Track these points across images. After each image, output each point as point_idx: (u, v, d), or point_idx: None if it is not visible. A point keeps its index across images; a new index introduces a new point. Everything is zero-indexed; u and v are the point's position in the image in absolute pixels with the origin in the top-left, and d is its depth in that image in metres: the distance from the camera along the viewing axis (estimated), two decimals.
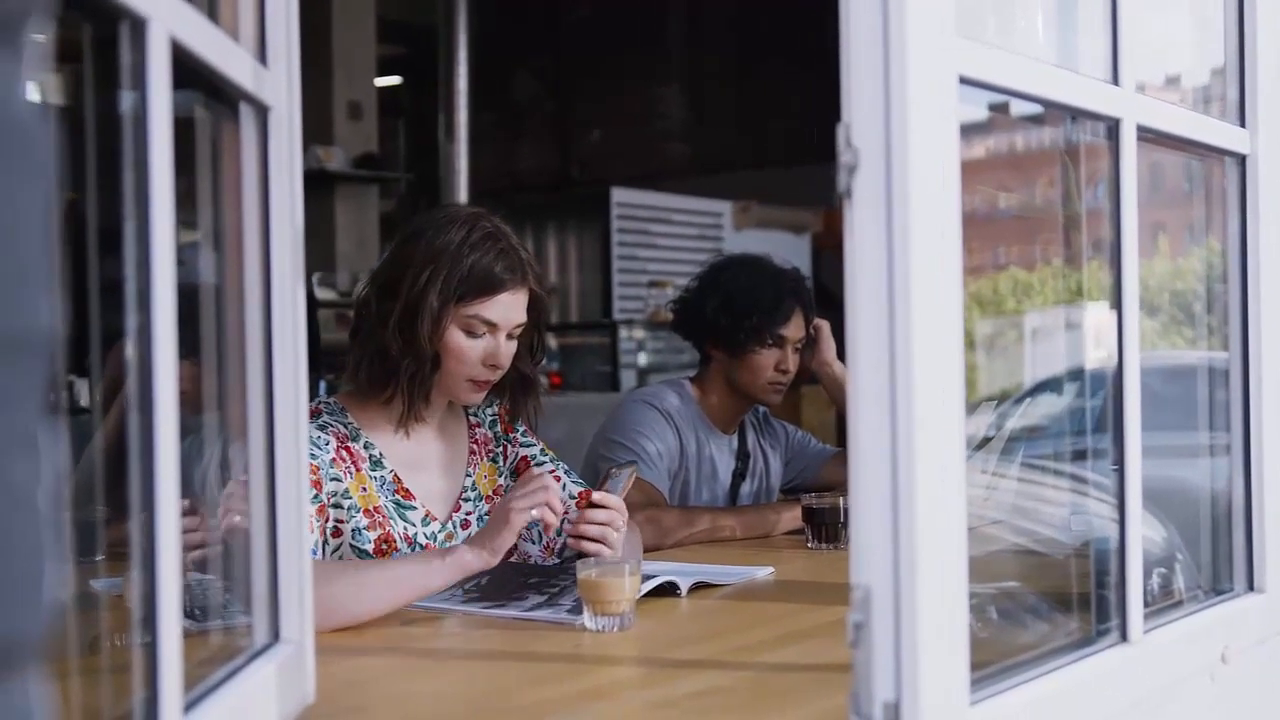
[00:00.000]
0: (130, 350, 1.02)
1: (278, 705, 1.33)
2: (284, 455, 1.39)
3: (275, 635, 1.38)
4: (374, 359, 2.20)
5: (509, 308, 2.21)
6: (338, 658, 1.69)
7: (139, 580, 1.02)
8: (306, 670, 1.42)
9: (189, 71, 1.13)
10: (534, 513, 1.98)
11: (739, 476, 3.14)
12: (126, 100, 1.03)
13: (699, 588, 2.19)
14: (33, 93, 0.58)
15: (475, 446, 2.38)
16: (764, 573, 2.36)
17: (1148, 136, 1.58)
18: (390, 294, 2.19)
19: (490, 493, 2.36)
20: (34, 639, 0.57)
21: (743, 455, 3.16)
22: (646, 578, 2.04)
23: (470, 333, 2.19)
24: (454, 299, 2.17)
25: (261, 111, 1.35)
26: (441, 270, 2.16)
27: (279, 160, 1.37)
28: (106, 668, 1.31)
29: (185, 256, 1.12)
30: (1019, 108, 1.54)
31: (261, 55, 1.36)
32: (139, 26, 1.00)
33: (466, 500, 2.33)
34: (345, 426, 2.22)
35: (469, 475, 2.35)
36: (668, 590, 2.12)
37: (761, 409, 3.22)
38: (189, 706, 1.11)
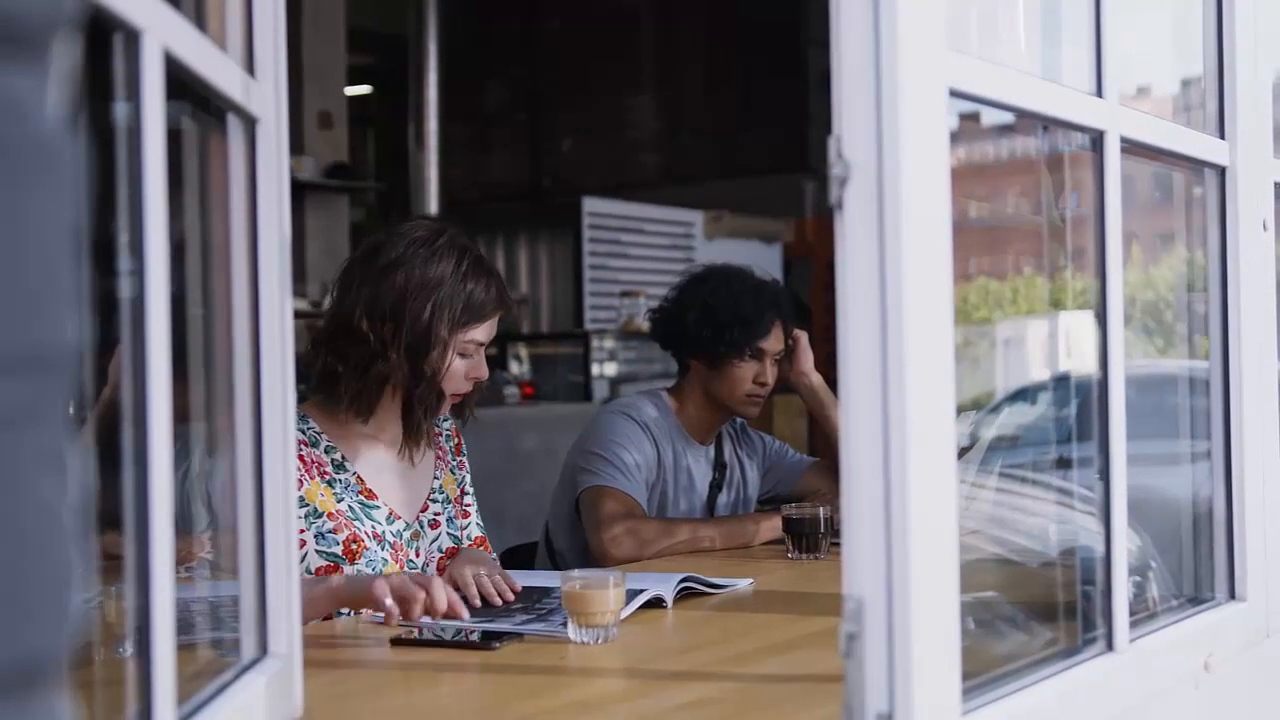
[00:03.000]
0: (125, 361, 1.01)
1: (266, 719, 1.32)
2: (271, 468, 1.38)
3: (264, 649, 1.37)
4: (375, 386, 2.26)
5: (494, 326, 2.35)
6: (325, 672, 1.69)
7: (133, 594, 1.01)
8: (295, 684, 1.41)
9: (177, 82, 1.12)
10: (388, 602, 1.92)
11: (716, 487, 3.14)
12: (119, 111, 1.02)
13: (685, 595, 2.19)
14: (58, 107, 0.58)
15: (440, 452, 2.47)
16: (744, 584, 2.36)
17: (1129, 148, 1.59)
18: (384, 321, 2.24)
19: (453, 499, 2.46)
20: (61, 656, 0.57)
21: (720, 466, 3.16)
22: (632, 592, 2.03)
23: (463, 355, 2.30)
24: (459, 327, 2.27)
25: (250, 123, 1.35)
26: (445, 303, 2.25)
27: (267, 172, 1.37)
28: (91, 682, 1.30)
29: (171, 268, 1.11)
30: (989, 117, 1.55)
31: (250, 67, 1.35)
32: (133, 38, 1.00)
33: (435, 501, 2.41)
34: (304, 432, 2.24)
35: (436, 478, 2.43)
36: (653, 602, 2.12)
37: (739, 419, 3.22)
38: None
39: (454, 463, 2.50)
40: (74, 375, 0.58)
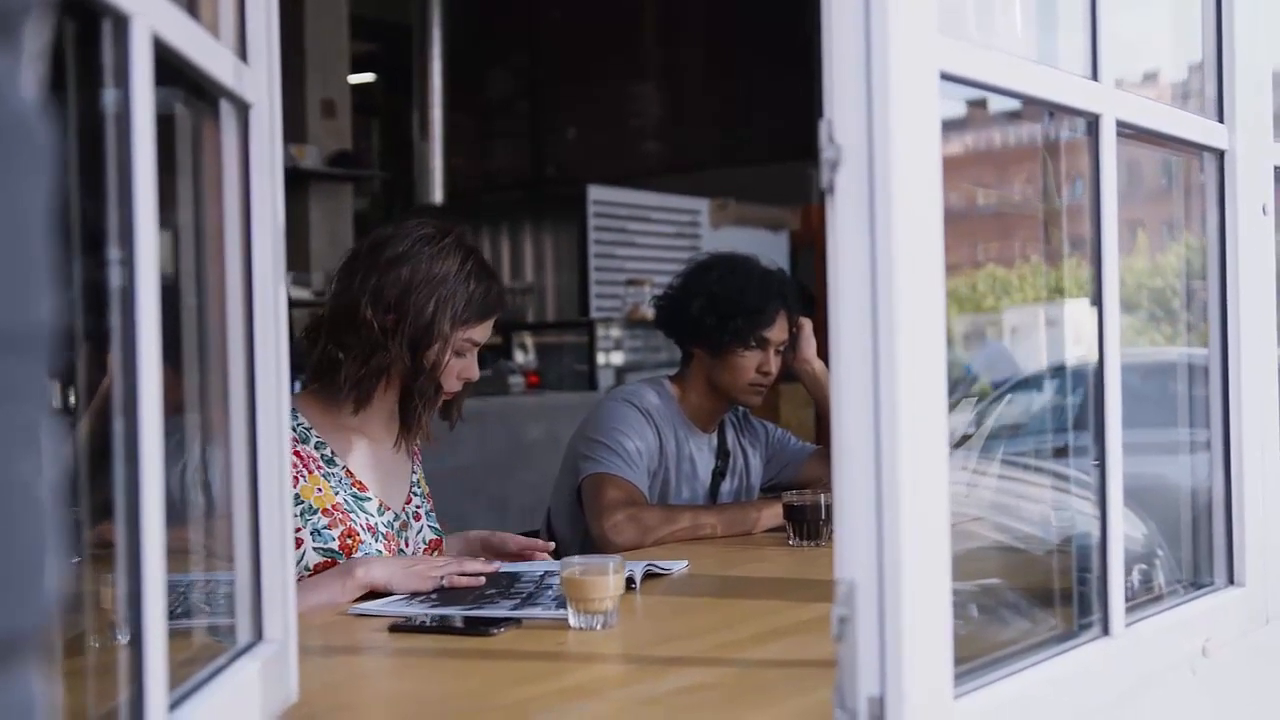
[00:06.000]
0: (113, 352, 1.02)
1: (261, 704, 1.32)
2: (266, 455, 1.38)
3: (259, 634, 1.37)
4: (374, 376, 2.29)
5: (490, 328, 2.39)
6: (321, 657, 1.69)
7: (123, 582, 1.01)
8: (290, 669, 1.42)
9: (169, 68, 1.12)
10: (444, 582, 2.14)
11: (719, 475, 3.14)
12: (108, 97, 1.02)
13: (649, 577, 2.23)
14: (31, 89, 0.58)
15: (416, 450, 2.50)
16: (679, 566, 2.38)
17: (1127, 132, 1.58)
18: (387, 312, 2.26)
19: (426, 493, 2.51)
20: (36, 633, 0.57)
21: (723, 454, 3.16)
22: None
23: (458, 353, 2.33)
24: (460, 324, 2.30)
25: (243, 109, 1.35)
26: (448, 298, 2.28)
27: (260, 158, 1.37)
28: (84, 669, 1.30)
29: (166, 257, 1.11)
30: (996, 104, 1.55)
31: (242, 52, 1.35)
32: (121, 23, 1.00)
33: (416, 494, 2.46)
34: (294, 429, 2.25)
35: (414, 472, 2.48)
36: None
37: (741, 407, 3.22)
38: (173, 705, 1.10)
39: (420, 461, 2.55)
40: (50, 355, 0.59)
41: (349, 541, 2.25)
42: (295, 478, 2.21)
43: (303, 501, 2.23)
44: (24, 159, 0.55)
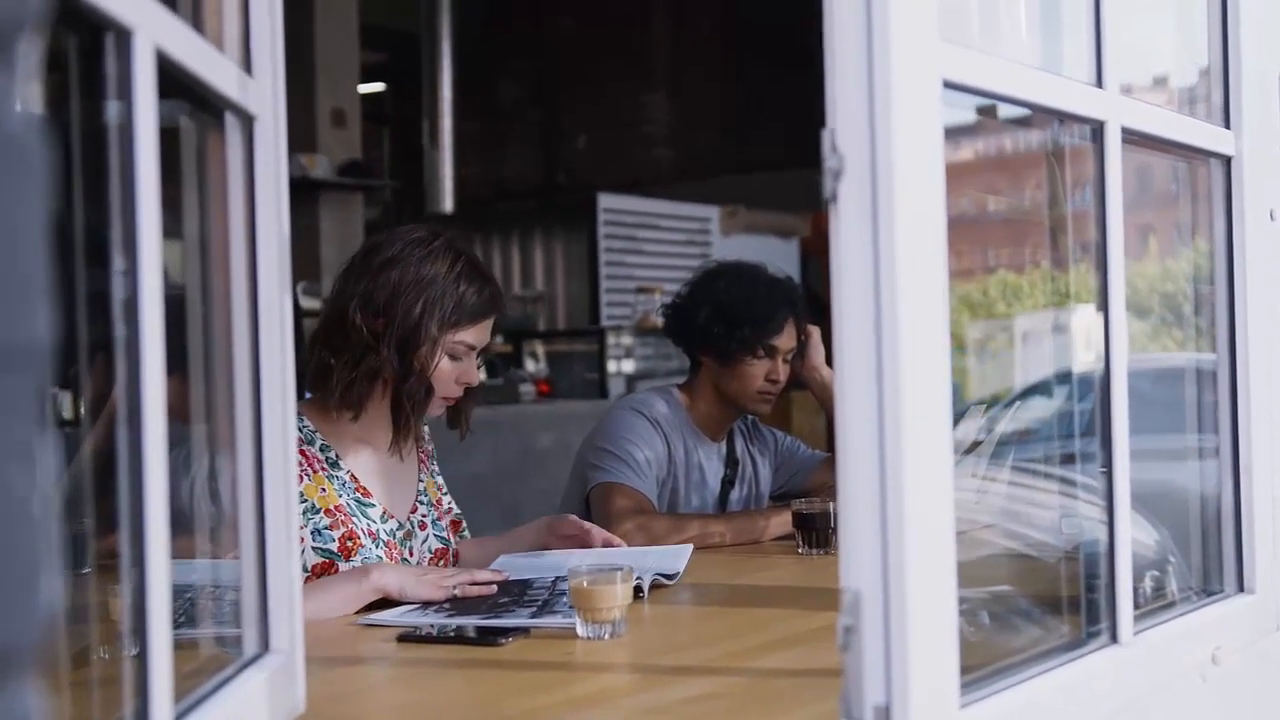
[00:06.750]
0: (118, 363, 1.02)
1: (268, 715, 1.33)
2: (272, 465, 1.39)
3: (265, 645, 1.37)
4: (365, 380, 2.29)
5: (487, 331, 2.38)
6: (327, 668, 1.69)
7: (128, 592, 1.02)
8: (296, 680, 1.42)
9: (173, 81, 1.12)
10: (456, 591, 2.13)
11: (728, 483, 3.14)
12: (111, 110, 1.02)
13: (656, 587, 2.23)
14: (26, 104, 0.58)
15: (423, 457, 2.51)
16: (684, 550, 2.42)
17: (1133, 139, 1.58)
18: (376, 315, 2.27)
19: (435, 501, 2.50)
20: (31, 647, 0.57)
21: (732, 462, 3.16)
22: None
23: (453, 356, 2.33)
24: (449, 326, 2.29)
25: (247, 121, 1.35)
26: (436, 301, 2.28)
27: (265, 170, 1.37)
28: (94, 680, 1.30)
29: (170, 267, 1.12)
30: (1006, 110, 1.55)
31: (246, 64, 1.35)
32: (124, 37, 1.00)
33: (422, 503, 2.46)
34: (300, 431, 2.27)
35: (421, 481, 2.48)
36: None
37: (750, 415, 3.22)
38: (179, 717, 1.10)
39: (433, 467, 2.55)
40: (48, 371, 0.59)
41: (349, 544, 2.25)
42: (299, 476, 2.22)
43: (306, 500, 2.23)
44: (19, 175, 0.56)
